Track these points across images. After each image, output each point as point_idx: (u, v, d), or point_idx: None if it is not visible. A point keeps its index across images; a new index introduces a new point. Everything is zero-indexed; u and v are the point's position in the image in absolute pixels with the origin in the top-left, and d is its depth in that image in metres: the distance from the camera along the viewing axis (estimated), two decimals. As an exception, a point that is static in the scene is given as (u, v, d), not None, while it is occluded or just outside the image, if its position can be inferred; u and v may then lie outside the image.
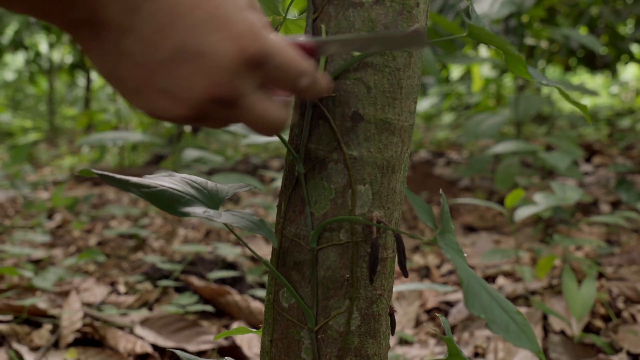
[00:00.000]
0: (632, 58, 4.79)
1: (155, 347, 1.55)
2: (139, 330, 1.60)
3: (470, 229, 2.80)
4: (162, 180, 0.68)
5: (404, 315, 1.77)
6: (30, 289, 1.88)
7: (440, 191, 0.68)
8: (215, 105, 0.55)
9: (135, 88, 0.54)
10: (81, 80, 8.56)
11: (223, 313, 1.79)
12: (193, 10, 0.51)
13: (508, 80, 5.63)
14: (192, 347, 1.53)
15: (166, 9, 0.51)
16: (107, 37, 0.52)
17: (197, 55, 0.52)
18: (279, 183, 2.38)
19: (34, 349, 1.54)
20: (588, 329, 1.61)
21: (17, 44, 6.76)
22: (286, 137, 0.72)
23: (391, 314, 0.74)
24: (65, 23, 0.52)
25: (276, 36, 0.56)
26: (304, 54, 0.60)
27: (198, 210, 0.65)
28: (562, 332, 1.59)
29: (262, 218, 0.69)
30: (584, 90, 3.11)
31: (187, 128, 3.03)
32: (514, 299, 1.83)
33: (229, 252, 2.11)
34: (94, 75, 7.48)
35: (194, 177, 0.72)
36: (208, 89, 0.54)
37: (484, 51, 5.10)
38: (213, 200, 0.70)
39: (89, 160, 5.16)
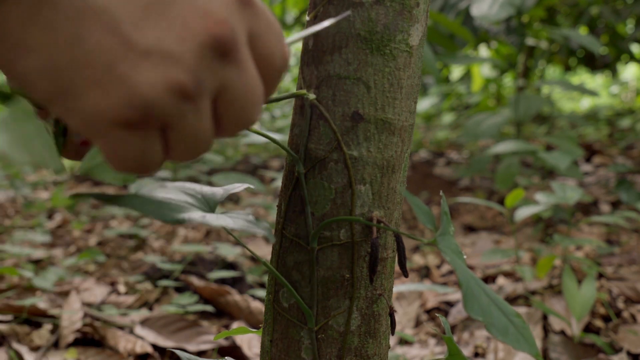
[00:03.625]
0: (632, 58, 4.79)
1: (155, 347, 1.55)
2: (139, 330, 1.60)
3: (470, 229, 2.80)
4: (156, 192, 0.68)
5: (404, 315, 1.77)
6: (30, 289, 1.88)
7: (441, 193, 0.68)
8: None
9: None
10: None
11: (223, 313, 1.79)
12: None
13: (508, 80, 5.63)
14: (192, 347, 1.54)
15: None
16: None
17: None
18: (279, 183, 2.38)
19: (34, 349, 1.54)
20: (588, 329, 1.61)
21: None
22: (286, 136, 0.72)
23: (391, 314, 0.74)
24: None
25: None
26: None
27: (195, 215, 0.65)
28: (562, 332, 1.59)
29: (261, 218, 0.69)
30: (583, 90, 3.10)
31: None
32: (514, 299, 1.82)
33: (229, 252, 2.11)
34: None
35: (187, 185, 0.72)
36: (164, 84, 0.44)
37: (484, 51, 5.10)
38: (209, 204, 0.70)
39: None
